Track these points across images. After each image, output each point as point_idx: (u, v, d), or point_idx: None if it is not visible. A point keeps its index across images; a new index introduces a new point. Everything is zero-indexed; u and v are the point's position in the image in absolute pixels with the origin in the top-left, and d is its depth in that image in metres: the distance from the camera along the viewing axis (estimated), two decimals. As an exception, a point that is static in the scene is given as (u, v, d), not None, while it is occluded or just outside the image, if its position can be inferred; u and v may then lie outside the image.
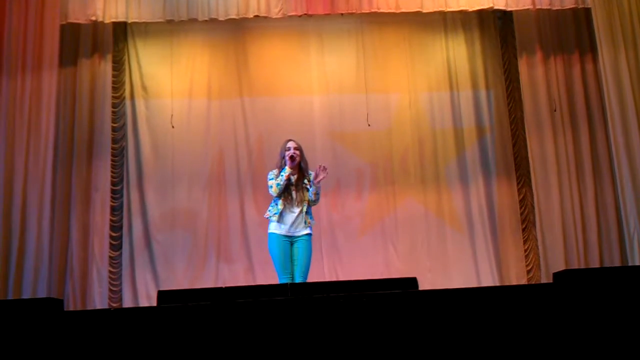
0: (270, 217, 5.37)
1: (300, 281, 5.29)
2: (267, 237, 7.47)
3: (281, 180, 5.29)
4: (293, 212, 5.34)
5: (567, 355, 2.70)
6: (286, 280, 5.26)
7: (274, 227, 5.35)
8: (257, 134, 7.61)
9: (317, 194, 5.38)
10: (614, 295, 2.83)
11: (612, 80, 6.90)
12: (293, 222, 5.33)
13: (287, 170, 5.31)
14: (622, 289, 2.86)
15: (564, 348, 2.72)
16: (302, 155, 5.47)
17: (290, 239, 5.35)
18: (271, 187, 5.35)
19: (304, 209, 5.38)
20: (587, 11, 7.23)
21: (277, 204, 5.36)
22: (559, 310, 2.80)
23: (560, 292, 2.88)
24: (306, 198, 5.39)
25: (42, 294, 6.24)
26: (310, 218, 5.43)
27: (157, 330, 2.71)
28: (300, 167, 5.43)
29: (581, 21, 7.55)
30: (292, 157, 5.34)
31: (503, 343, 2.70)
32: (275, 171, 5.43)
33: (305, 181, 5.43)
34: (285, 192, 5.34)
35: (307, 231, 5.39)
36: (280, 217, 5.32)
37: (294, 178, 5.38)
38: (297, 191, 5.36)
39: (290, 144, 5.45)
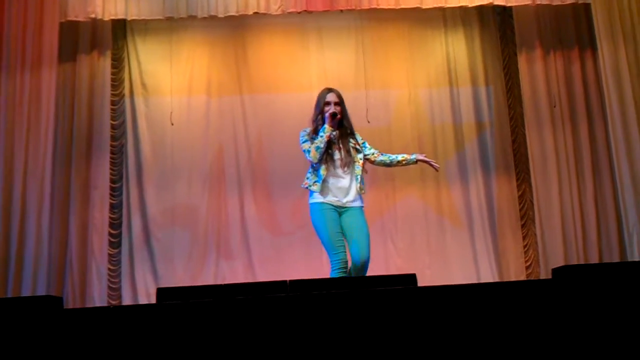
0: (310, 185, 4.44)
1: (363, 260, 4.30)
2: (267, 233, 7.49)
3: (321, 142, 4.37)
4: (341, 178, 4.45)
5: (566, 351, 2.70)
6: (339, 258, 4.29)
7: (316, 197, 4.42)
8: (257, 130, 7.60)
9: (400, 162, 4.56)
10: (613, 292, 2.82)
11: (612, 76, 6.89)
12: (342, 191, 4.44)
13: (327, 129, 4.41)
14: (621, 285, 2.85)
15: (563, 344, 2.72)
16: (343, 109, 4.59)
17: (339, 210, 4.42)
18: (308, 151, 4.41)
19: (356, 174, 4.49)
20: (587, 7, 7.21)
21: (318, 171, 4.41)
22: (558, 306, 2.80)
23: (559, 288, 2.88)
24: (356, 159, 4.51)
25: (41, 291, 6.25)
26: (363, 184, 4.52)
27: (156, 328, 2.72)
28: (341, 123, 4.56)
29: (581, 17, 7.53)
30: (333, 114, 4.45)
31: (502, 339, 2.70)
32: (309, 129, 4.55)
33: (352, 141, 4.56)
34: (326, 154, 4.43)
35: (359, 203, 4.51)
36: (325, 185, 4.39)
37: (335, 135, 4.50)
38: (342, 151, 4.48)
39: (330, 97, 4.54)
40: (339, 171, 4.45)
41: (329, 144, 4.44)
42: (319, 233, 4.41)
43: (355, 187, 4.46)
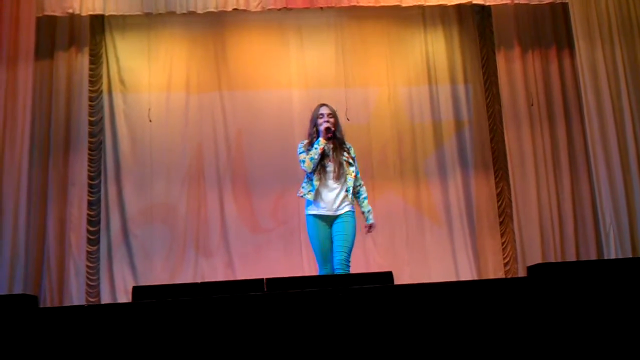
0: (305, 194, 4.75)
1: (340, 258, 4.66)
2: (246, 230, 7.47)
3: (315, 154, 4.69)
4: (332, 188, 4.76)
5: (542, 348, 2.73)
6: (326, 272, 4.69)
7: (311, 208, 4.77)
8: (236, 127, 7.58)
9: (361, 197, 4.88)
10: (587, 289, 2.86)
11: (589, 75, 6.95)
12: (333, 200, 4.74)
13: (322, 142, 4.73)
14: (595, 282, 2.89)
15: (539, 341, 2.74)
16: (337, 122, 4.91)
17: (331, 218, 4.74)
18: (303, 161, 4.73)
19: (347, 186, 4.77)
20: (565, 6, 7.27)
21: (312, 180, 4.74)
22: (533, 304, 2.83)
23: (534, 286, 2.91)
24: (349, 172, 4.78)
25: (18, 289, 6.18)
26: (351, 196, 4.79)
27: (132, 327, 2.70)
28: (335, 136, 4.85)
29: (558, 16, 7.59)
30: (327, 129, 4.76)
31: (478, 337, 2.72)
32: (306, 142, 4.87)
33: (346, 155, 4.84)
34: (319, 165, 4.75)
35: (350, 207, 4.78)
36: (317, 194, 4.71)
37: (328, 148, 4.80)
38: (335, 164, 4.77)
39: (324, 110, 4.87)
40: (331, 182, 4.75)
41: (323, 156, 4.75)
42: (312, 244, 4.79)
43: (344, 196, 4.76)
